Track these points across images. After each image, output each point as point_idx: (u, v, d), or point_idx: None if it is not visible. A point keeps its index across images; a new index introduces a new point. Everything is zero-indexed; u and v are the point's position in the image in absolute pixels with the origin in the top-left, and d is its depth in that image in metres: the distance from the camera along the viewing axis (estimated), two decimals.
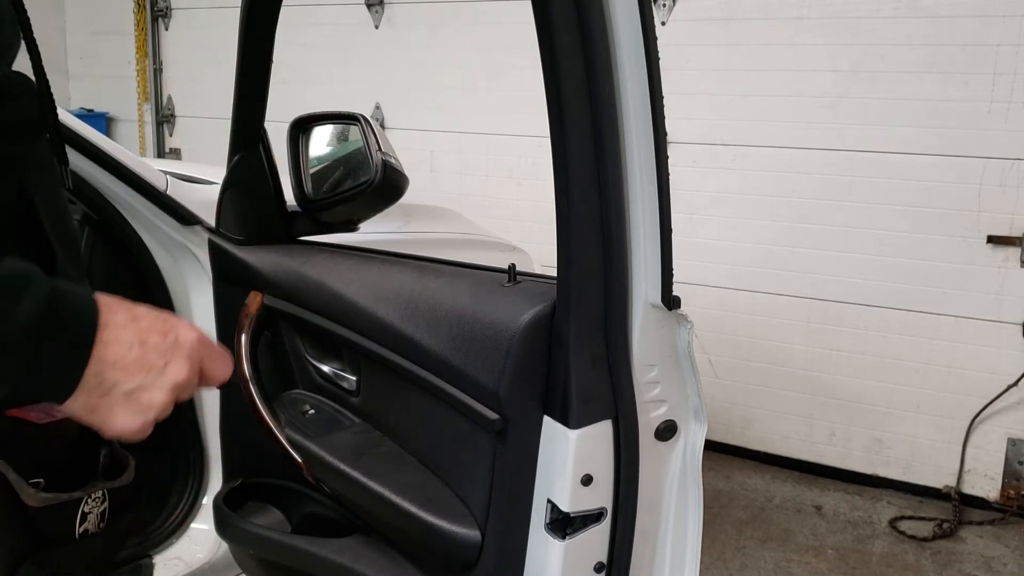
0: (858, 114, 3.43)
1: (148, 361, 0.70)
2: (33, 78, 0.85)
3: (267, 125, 1.56)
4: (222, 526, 1.54)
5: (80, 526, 0.87)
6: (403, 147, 1.71)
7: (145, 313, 0.72)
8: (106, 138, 1.63)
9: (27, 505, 0.80)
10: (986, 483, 3.47)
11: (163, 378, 0.71)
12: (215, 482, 1.78)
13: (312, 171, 1.58)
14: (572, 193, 0.98)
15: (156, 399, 0.71)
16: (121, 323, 0.69)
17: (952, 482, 3.49)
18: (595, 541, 1.07)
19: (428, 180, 4.32)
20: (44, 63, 0.87)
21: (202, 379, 0.79)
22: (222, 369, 0.80)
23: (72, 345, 0.65)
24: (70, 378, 0.66)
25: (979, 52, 3.20)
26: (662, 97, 0.98)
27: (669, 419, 1.09)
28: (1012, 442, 3.41)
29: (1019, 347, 3.33)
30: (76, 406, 0.68)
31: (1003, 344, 3.35)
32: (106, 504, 0.91)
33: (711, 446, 3.82)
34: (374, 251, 1.46)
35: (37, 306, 0.63)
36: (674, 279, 1.03)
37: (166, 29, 5.30)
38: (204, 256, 1.64)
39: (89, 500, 0.87)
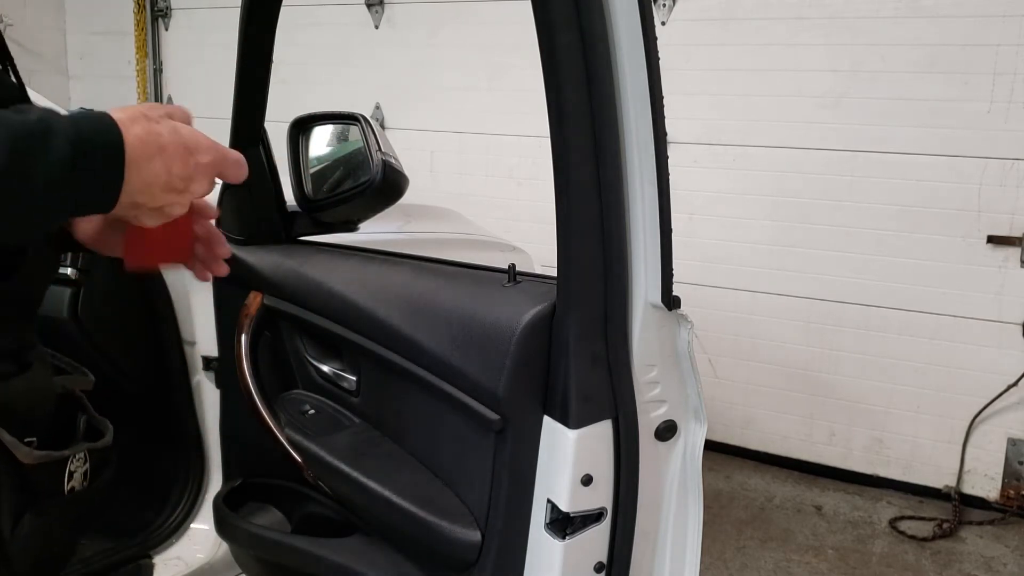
0: (858, 114, 3.43)
1: (172, 185, 0.79)
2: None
3: (267, 125, 1.56)
4: (222, 526, 1.54)
5: (68, 483, 0.97)
6: (403, 147, 1.71)
7: (169, 139, 0.79)
8: None
9: (21, 464, 0.89)
10: (986, 483, 3.47)
11: (184, 196, 0.81)
12: (215, 482, 1.78)
13: (312, 171, 1.58)
14: (572, 193, 0.98)
15: (176, 211, 0.82)
16: (148, 155, 0.77)
17: (952, 482, 3.49)
18: (595, 541, 1.07)
19: (428, 180, 4.32)
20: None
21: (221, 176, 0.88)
22: (236, 173, 0.87)
23: (106, 180, 0.75)
24: (110, 199, 0.76)
25: (979, 52, 3.20)
26: (662, 97, 0.98)
27: (669, 419, 1.09)
28: (1012, 442, 3.41)
29: (1019, 347, 3.33)
30: (113, 212, 0.79)
31: (1003, 344, 3.35)
32: (87, 465, 1.01)
33: (711, 446, 3.82)
34: (374, 251, 1.46)
35: (67, 144, 0.71)
36: (674, 279, 1.03)
37: (166, 29, 5.30)
38: None
39: (73, 460, 0.98)
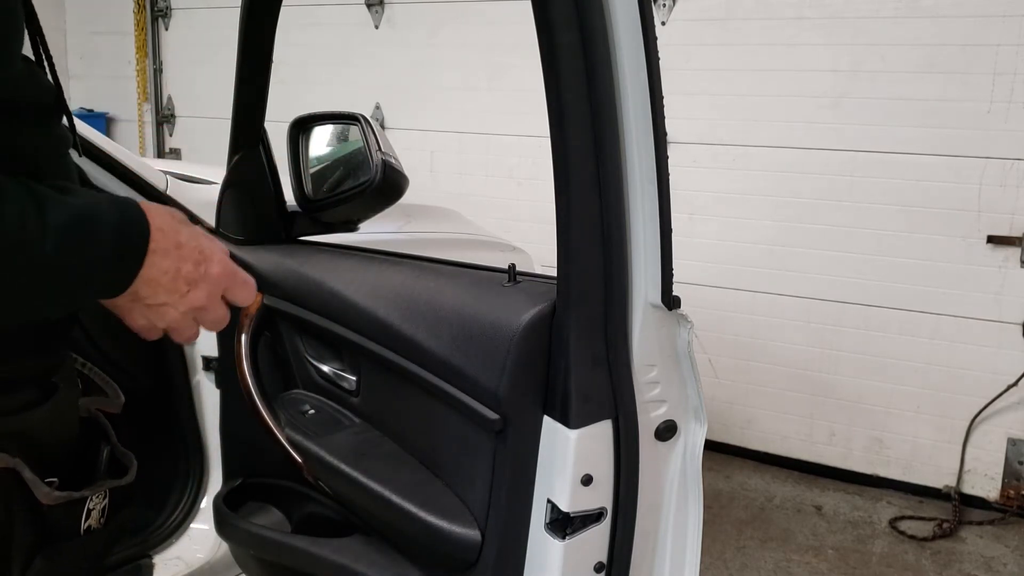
0: (858, 114, 3.43)
1: (175, 286, 0.79)
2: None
3: (267, 125, 1.56)
4: (222, 526, 1.54)
5: (84, 522, 0.91)
6: (403, 147, 1.71)
7: (187, 239, 0.80)
8: (106, 138, 1.63)
9: (39, 503, 0.84)
10: (986, 483, 3.47)
11: (183, 301, 0.81)
12: (215, 482, 1.77)
13: (312, 171, 1.58)
14: (572, 193, 0.98)
15: (170, 315, 0.81)
16: (166, 249, 0.78)
17: (952, 482, 3.50)
18: (595, 541, 1.07)
19: (428, 180, 4.32)
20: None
21: (228, 301, 0.87)
22: (244, 296, 0.87)
23: (128, 265, 0.76)
24: (120, 288, 0.77)
25: (979, 52, 3.20)
26: (662, 97, 0.98)
27: (669, 419, 1.09)
28: (1012, 442, 3.41)
29: (1019, 347, 3.33)
30: (113, 305, 0.80)
31: (1003, 344, 3.35)
32: (107, 501, 0.95)
33: (711, 446, 3.82)
34: (374, 251, 1.46)
35: (112, 234, 0.73)
36: (674, 279, 1.03)
37: (166, 29, 5.30)
38: None
39: (93, 497, 0.92)
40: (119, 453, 0.99)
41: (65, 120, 0.94)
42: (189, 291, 0.80)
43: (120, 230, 0.73)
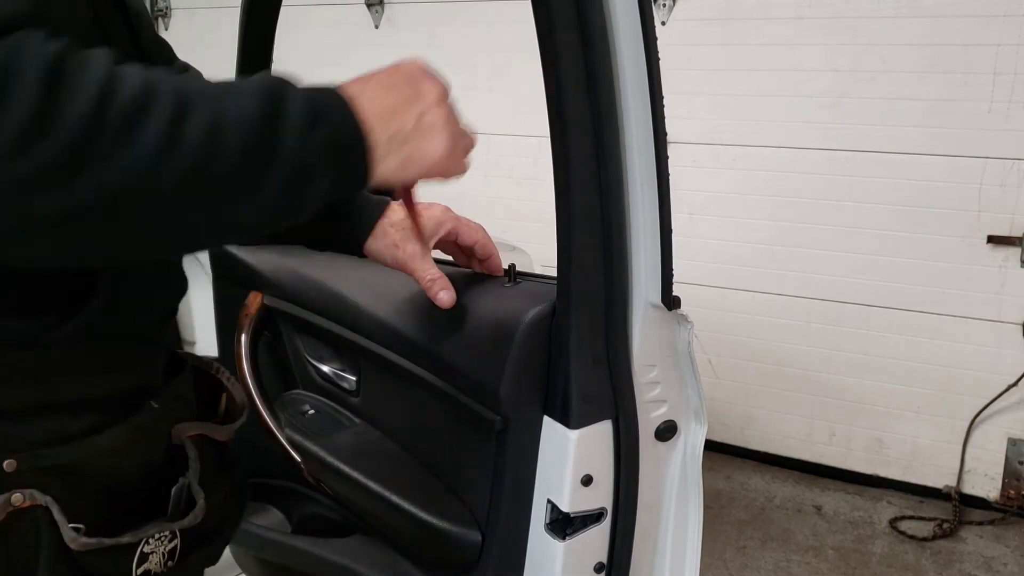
0: (858, 114, 3.43)
1: (410, 95, 0.75)
2: None
3: None
4: None
5: (139, 566, 0.81)
6: None
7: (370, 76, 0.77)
8: None
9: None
10: (986, 483, 3.47)
11: (430, 101, 0.75)
12: None
13: None
14: (572, 193, 0.98)
15: (437, 115, 0.75)
16: (360, 89, 0.75)
17: (952, 482, 3.49)
18: (595, 541, 1.07)
19: None
20: None
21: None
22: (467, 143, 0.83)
23: (342, 113, 0.72)
24: (356, 125, 0.72)
25: (979, 52, 3.20)
26: (662, 97, 0.98)
27: (669, 419, 1.09)
28: (1012, 442, 3.41)
29: (1019, 347, 3.33)
30: (389, 174, 0.74)
31: (1003, 344, 3.35)
32: (176, 542, 0.84)
33: (711, 446, 3.82)
34: None
35: (307, 112, 0.69)
36: (674, 279, 1.03)
37: (166, 29, 5.29)
38: (204, 256, 1.64)
39: (151, 540, 0.81)
40: (194, 491, 0.85)
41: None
42: (421, 89, 0.75)
43: (311, 99, 0.71)
